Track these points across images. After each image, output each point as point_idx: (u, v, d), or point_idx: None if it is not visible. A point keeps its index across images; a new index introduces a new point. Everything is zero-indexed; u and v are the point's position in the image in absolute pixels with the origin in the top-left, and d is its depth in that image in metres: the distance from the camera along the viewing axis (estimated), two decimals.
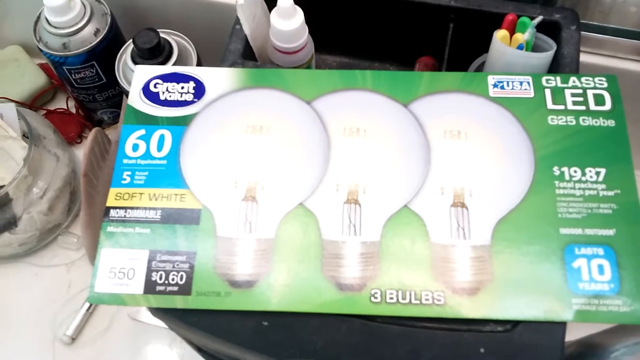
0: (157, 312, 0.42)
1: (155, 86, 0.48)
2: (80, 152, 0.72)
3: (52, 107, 0.81)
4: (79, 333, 0.66)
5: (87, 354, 0.65)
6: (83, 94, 0.71)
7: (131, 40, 0.62)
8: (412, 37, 0.59)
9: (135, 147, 0.45)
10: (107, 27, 0.66)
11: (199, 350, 0.51)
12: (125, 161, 0.45)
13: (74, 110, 0.80)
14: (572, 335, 0.45)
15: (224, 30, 0.54)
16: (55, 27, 0.64)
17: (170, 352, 0.65)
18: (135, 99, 0.48)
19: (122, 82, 0.63)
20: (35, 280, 0.69)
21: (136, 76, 0.49)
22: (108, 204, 0.44)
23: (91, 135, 0.65)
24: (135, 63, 0.61)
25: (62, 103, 0.81)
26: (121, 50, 0.65)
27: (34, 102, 0.79)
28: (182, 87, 0.48)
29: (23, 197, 0.65)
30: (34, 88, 0.79)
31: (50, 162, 0.68)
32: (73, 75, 0.67)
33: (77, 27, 0.64)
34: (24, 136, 0.68)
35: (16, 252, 0.69)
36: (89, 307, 0.67)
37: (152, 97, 0.47)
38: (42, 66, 0.81)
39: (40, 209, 0.66)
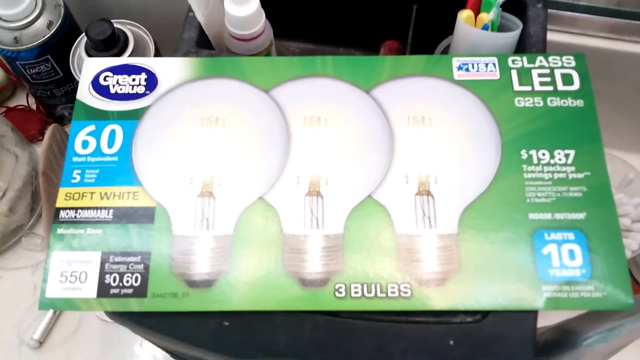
0: (114, 315, 0.40)
1: (105, 79, 0.46)
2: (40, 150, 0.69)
3: (11, 104, 0.78)
4: (46, 336, 0.64)
5: (56, 358, 0.63)
6: (40, 90, 0.69)
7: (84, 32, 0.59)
8: (376, 20, 0.57)
9: (85, 144, 0.43)
10: (60, 19, 0.63)
11: (167, 350, 0.50)
12: (74, 159, 0.43)
13: (34, 107, 0.77)
14: (549, 320, 0.44)
15: (182, 19, 0.51)
16: (5, 21, 0.61)
17: (141, 352, 0.64)
18: (85, 93, 0.45)
19: (78, 76, 0.61)
20: None
21: (85, 69, 0.46)
22: (58, 204, 0.41)
23: (48, 132, 0.62)
24: (90, 55, 0.59)
25: (23, 100, 0.78)
26: (75, 43, 0.62)
27: None
28: (134, 80, 0.45)
29: None
30: None
31: (9, 161, 0.65)
32: (28, 70, 0.65)
33: (28, 19, 0.61)
34: None
35: None
36: (56, 310, 0.65)
37: (102, 90, 0.45)
38: None
39: (0, 210, 0.64)
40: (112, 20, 0.58)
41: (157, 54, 0.62)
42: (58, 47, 0.63)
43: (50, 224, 0.44)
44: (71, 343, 0.64)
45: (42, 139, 0.75)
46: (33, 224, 0.70)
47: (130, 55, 0.59)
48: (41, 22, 0.62)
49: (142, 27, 0.62)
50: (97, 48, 0.58)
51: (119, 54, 0.58)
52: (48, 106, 0.73)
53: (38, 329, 0.64)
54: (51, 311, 0.64)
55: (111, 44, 0.58)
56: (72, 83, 0.68)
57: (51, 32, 0.62)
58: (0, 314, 0.65)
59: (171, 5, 0.67)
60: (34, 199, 0.69)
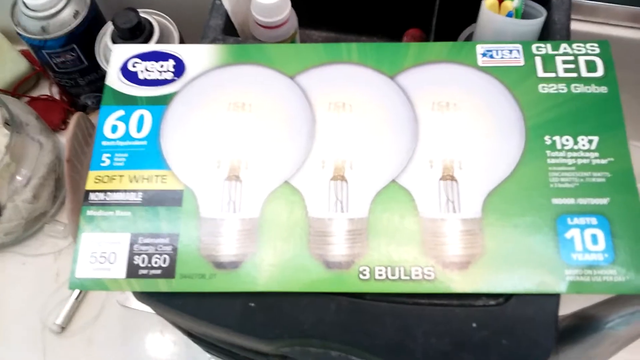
0: (141, 296, 0.41)
1: (133, 65, 0.46)
2: (65, 138, 0.70)
3: (35, 93, 0.80)
4: (68, 322, 0.65)
5: (78, 343, 0.64)
6: (65, 79, 0.70)
7: (110, 21, 0.60)
8: (399, 9, 0.57)
9: (114, 129, 0.44)
10: (86, 9, 0.64)
11: (189, 334, 0.50)
12: (104, 143, 0.44)
13: (57, 97, 0.78)
14: (568, 308, 0.44)
15: (207, 8, 0.52)
16: (33, 10, 0.62)
17: (162, 338, 0.65)
18: (114, 79, 0.46)
19: (103, 65, 0.62)
20: (22, 270, 0.68)
21: (114, 56, 0.47)
22: (87, 187, 0.42)
23: (73, 120, 0.63)
24: (116, 44, 0.60)
25: (46, 90, 0.80)
26: (101, 32, 0.63)
27: (17, 90, 0.78)
28: (162, 66, 0.46)
29: (7, 185, 0.64)
30: (16, 75, 0.77)
31: (34, 150, 0.66)
32: (53, 59, 0.66)
33: (55, 9, 0.62)
34: (6, 124, 0.66)
35: (2, 242, 0.68)
36: (78, 295, 0.66)
37: (131, 76, 0.46)
38: (24, 52, 0.79)
39: (24, 197, 0.65)
40: (137, 9, 0.59)
41: (181, 42, 0.63)
42: (84, 36, 0.64)
43: (74, 211, 0.45)
44: (93, 328, 0.65)
45: (64, 128, 0.77)
46: (56, 211, 0.71)
47: (155, 44, 0.60)
48: (68, 12, 0.63)
49: (166, 16, 0.63)
50: (124, 37, 0.59)
51: (145, 42, 0.59)
52: (71, 95, 0.74)
53: (61, 315, 0.65)
54: (74, 297, 0.66)
55: (137, 32, 0.59)
56: (95, 72, 0.69)
57: (77, 22, 0.63)
58: (24, 299, 0.67)
59: None
60: (57, 187, 0.70)
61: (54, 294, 0.66)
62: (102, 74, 0.68)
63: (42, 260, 0.69)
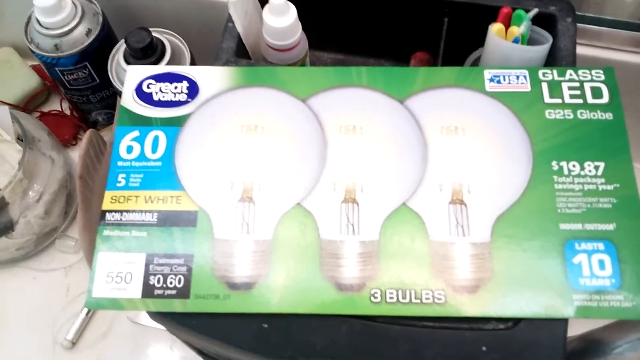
0: (156, 316, 0.42)
1: (148, 86, 0.47)
2: (76, 154, 0.71)
3: (46, 109, 0.81)
4: (79, 337, 0.66)
5: (88, 358, 0.65)
6: (77, 96, 0.71)
7: (123, 40, 0.61)
8: (407, 32, 0.58)
9: (129, 149, 0.45)
10: (99, 27, 0.65)
11: (200, 353, 0.51)
12: (119, 163, 0.45)
13: (68, 112, 0.79)
14: (575, 330, 0.44)
15: (217, 28, 0.53)
16: (46, 28, 0.63)
17: (171, 354, 0.65)
18: (128, 100, 0.47)
19: (115, 83, 0.63)
20: (33, 285, 0.69)
21: (128, 76, 0.48)
22: (104, 207, 0.43)
23: (86, 137, 0.64)
24: (128, 63, 0.61)
25: (56, 105, 0.81)
26: (113, 51, 0.64)
27: (28, 105, 0.79)
28: (176, 87, 0.47)
29: (19, 201, 0.64)
30: (27, 90, 0.78)
31: (46, 165, 0.67)
32: (66, 76, 0.67)
33: (68, 27, 0.63)
34: (18, 139, 0.67)
35: (14, 257, 0.69)
36: (89, 311, 0.66)
37: (145, 97, 0.47)
38: (35, 68, 0.80)
39: (36, 213, 0.66)
40: (149, 29, 0.60)
41: (192, 62, 0.64)
42: (96, 54, 0.65)
43: (85, 227, 0.45)
44: (103, 344, 0.66)
45: (75, 144, 0.78)
46: (67, 226, 0.72)
47: (167, 64, 0.61)
48: (80, 30, 0.64)
49: (178, 36, 0.64)
50: (136, 56, 0.60)
51: (157, 62, 0.60)
52: (82, 111, 0.75)
53: (71, 330, 0.65)
54: (84, 312, 0.66)
55: (149, 52, 0.60)
56: (107, 89, 0.70)
57: (90, 40, 0.64)
58: (35, 314, 0.67)
59: (205, 15, 0.69)
60: (68, 202, 0.71)
61: (65, 309, 0.67)
62: (113, 92, 0.69)
63: (52, 275, 0.69)
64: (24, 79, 0.79)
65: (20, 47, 0.80)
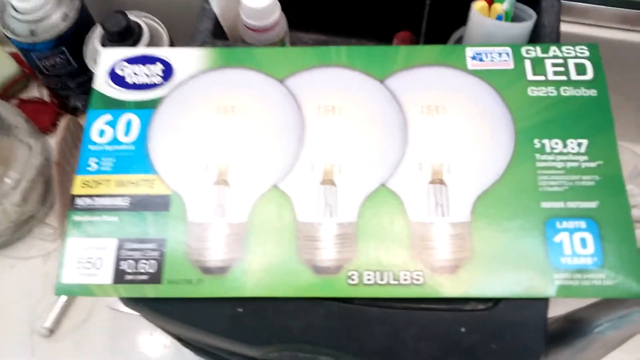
0: (129, 302, 0.41)
1: (121, 69, 0.46)
2: (54, 141, 0.70)
3: (25, 96, 0.79)
4: (57, 325, 0.65)
5: (67, 346, 0.64)
6: (54, 81, 0.69)
7: (99, 23, 0.59)
8: (389, 11, 0.57)
9: (101, 133, 0.44)
10: (75, 12, 0.63)
11: (178, 339, 0.50)
12: (91, 147, 0.43)
13: (47, 99, 0.77)
14: (558, 310, 0.44)
15: (196, 10, 0.52)
16: (22, 13, 0.62)
17: (152, 340, 0.64)
18: (101, 83, 0.46)
19: (92, 68, 0.62)
20: (11, 273, 0.68)
21: (102, 59, 0.47)
22: (74, 192, 0.42)
23: (62, 123, 0.63)
24: (105, 47, 0.59)
25: (35, 92, 0.79)
26: (89, 35, 0.63)
27: (6, 92, 0.77)
28: (150, 70, 0.46)
29: None
30: (5, 77, 0.77)
31: (23, 152, 0.66)
32: (43, 62, 0.65)
33: (44, 12, 0.62)
34: None
35: None
36: (67, 298, 0.65)
37: (119, 80, 0.46)
38: (13, 55, 0.78)
39: (13, 200, 0.65)
40: (126, 12, 0.59)
41: (171, 45, 0.63)
42: (73, 39, 0.64)
43: (63, 214, 0.44)
44: (82, 332, 0.65)
45: (54, 131, 0.76)
46: (45, 214, 0.70)
47: (145, 47, 0.59)
48: (57, 15, 0.63)
49: (156, 18, 0.63)
50: (113, 40, 0.58)
51: (134, 45, 0.59)
52: (61, 98, 0.74)
53: (49, 318, 0.64)
54: (62, 300, 0.65)
55: (126, 35, 0.58)
56: (85, 74, 0.69)
57: (66, 25, 0.63)
58: (12, 303, 0.66)
59: None
60: (46, 190, 0.70)
61: (43, 297, 0.66)
62: (91, 77, 0.68)
63: (31, 263, 0.68)
64: (1, 67, 0.77)
65: None
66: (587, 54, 0.45)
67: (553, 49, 0.45)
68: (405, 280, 0.38)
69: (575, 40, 0.58)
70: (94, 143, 0.43)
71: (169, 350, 0.63)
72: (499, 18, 0.49)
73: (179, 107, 0.44)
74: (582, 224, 0.39)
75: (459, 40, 0.54)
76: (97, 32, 0.61)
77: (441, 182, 0.41)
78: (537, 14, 0.49)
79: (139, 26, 0.60)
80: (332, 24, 0.61)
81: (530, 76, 0.44)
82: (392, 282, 0.39)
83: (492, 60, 0.45)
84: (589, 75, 0.44)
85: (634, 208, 0.57)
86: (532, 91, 0.44)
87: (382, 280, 0.39)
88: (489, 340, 0.38)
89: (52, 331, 0.64)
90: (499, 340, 0.38)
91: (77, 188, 0.42)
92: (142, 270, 0.39)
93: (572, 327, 0.40)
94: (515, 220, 0.40)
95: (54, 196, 0.68)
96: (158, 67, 0.46)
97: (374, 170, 0.42)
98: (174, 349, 0.63)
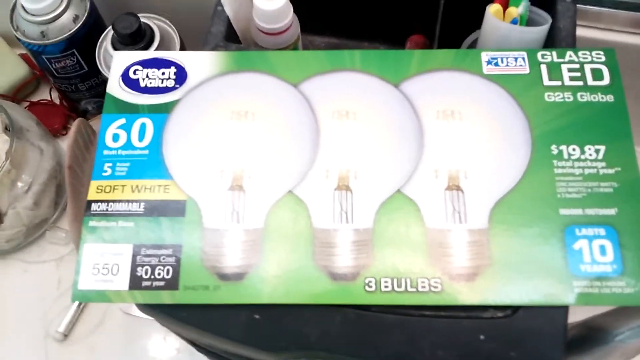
0: (145, 308, 0.41)
1: (134, 73, 0.46)
2: (66, 144, 0.70)
3: (35, 98, 0.79)
4: (71, 329, 0.65)
5: (80, 350, 0.64)
6: (65, 84, 0.69)
7: (111, 26, 0.59)
8: (402, 14, 0.57)
9: (115, 137, 0.44)
10: (86, 13, 0.63)
11: (193, 344, 0.50)
12: (105, 152, 0.43)
13: (57, 101, 0.77)
14: (576, 317, 0.43)
15: (208, 13, 0.51)
16: (32, 15, 0.62)
17: (165, 345, 0.64)
18: (115, 87, 0.46)
19: (104, 70, 0.61)
20: (24, 277, 0.68)
21: (115, 63, 0.47)
22: (89, 197, 0.42)
23: (74, 126, 0.63)
24: (116, 49, 0.59)
25: (46, 94, 0.79)
26: (101, 37, 0.62)
27: (16, 94, 0.77)
28: (163, 73, 0.46)
29: (7, 192, 0.63)
30: (16, 79, 0.77)
31: (34, 155, 0.66)
32: (53, 64, 0.65)
33: (54, 13, 0.62)
34: (6, 129, 0.66)
35: (3, 249, 0.68)
36: (80, 303, 0.65)
37: (132, 84, 0.45)
38: (23, 57, 0.78)
39: (25, 204, 0.65)
40: (138, 14, 0.59)
41: (182, 47, 0.62)
42: (84, 41, 0.64)
43: (75, 218, 0.44)
44: (95, 336, 0.65)
45: (65, 133, 0.76)
46: (57, 217, 0.70)
47: (156, 49, 0.59)
48: (67, 16, 0.63)
49: (167, 21, 0.63)
50: (124, 42, 0.58)
51: (145, 47, 0.59)
52: (72, 100, 0.74)
53: (63, 322, 0.64)
54: (76, 305, 0.65)
55: (138, 37, 0.58)
56: (96, 77, 0.69)
57: (77, 26, 0.63)
58: (26, 307, 0.66)
59: None
60: (58, 193, 0.70)
61: (56, 301, 0.66)
62: (102, 79, 0.68)
63: (43, 267, 0.68)
64: (12, 68, 0.77)
65: (8, 36, 0.78)
66: (603, 59, 0.45)
67: (569, 54, 0.45)
68: (423, 287, 0.38)
69: (588, 44, 0.57)
70: (109, 148, 0.43)
71: (182, 354, 0.63)
72: (514, 22, 0.48)
73: (193, 112, 0.44)
74: (601, 231, 0.39)
75: (473, 44, 0.53)
76: (109, 35, 0.61)
77: (458, 188, 0.41)
78: (553, 18, 0.49)
79: (151, 28, 0.60)
80: (345, 27, 0.61)
81: (546, 81, 0.44)
82: (409, 289, 0.38)
83: (507, 65, 0.45)
84: (606, 80, 0.44)
85: None
86: (549, 96, 0.43)
87: (399, 287, 0.38)
88: (508, 348, 0.37)
89: (65, 335, 0.64)
90: (518, 348, 0.37)
91: (92, 193, 0.42)
92: (159, 277, 0.39)
93: (592, 335, 0.39)
94: (534, 227, 0.39)
95: (66, 200, 0.68)
96: (172, 71, 0.46)
97: (389, 176, 0.42)
98: (187, 353, 0.63)
